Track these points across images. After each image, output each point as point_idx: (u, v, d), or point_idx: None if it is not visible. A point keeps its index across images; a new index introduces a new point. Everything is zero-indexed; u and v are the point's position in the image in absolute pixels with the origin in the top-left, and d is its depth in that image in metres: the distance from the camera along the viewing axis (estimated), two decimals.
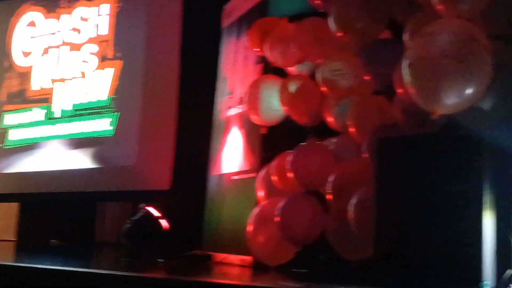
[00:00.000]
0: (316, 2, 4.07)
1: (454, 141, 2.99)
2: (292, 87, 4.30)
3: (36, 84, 7.47)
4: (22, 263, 4.53)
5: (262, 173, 4.62)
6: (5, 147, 7.55)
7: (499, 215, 2.86)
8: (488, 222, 2.82)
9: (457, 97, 2.88)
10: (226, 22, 5.87)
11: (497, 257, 2.83)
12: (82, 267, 3.99)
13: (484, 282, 2.75)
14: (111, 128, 6.54)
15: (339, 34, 3.80)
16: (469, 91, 2.86)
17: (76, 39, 7.14)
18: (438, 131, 3.35)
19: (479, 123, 3.07)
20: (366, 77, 3.84)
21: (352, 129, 3.96)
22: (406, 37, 3.57)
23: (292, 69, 4.59)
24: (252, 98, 4.56)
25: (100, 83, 6.77)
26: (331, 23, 3.85)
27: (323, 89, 4.07)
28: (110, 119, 6.57)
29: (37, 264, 4.20)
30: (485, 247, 2.79)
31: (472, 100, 2.92)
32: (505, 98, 3.02)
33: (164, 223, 4.99)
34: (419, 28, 3.15)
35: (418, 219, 3.01)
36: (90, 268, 3.92)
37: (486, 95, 2.98)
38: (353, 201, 3.58)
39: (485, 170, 2.83)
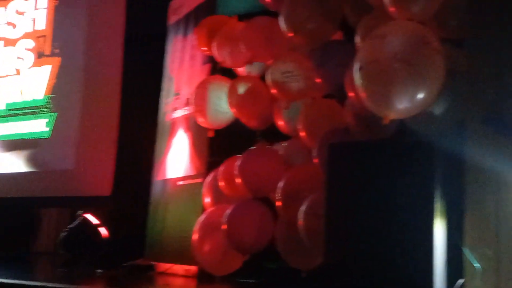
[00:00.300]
0: (266, 0, 4.10)
1: (405, 147, 3.04)
2: (241, 88, 4.32)
3: None
4: None
5: (209, 178, 4.62)
6: None
7: (450, 222, 2.93)
8: (439, 229, 2.88)
9: (408, 101, 2.93)
10: (172, 19, 5.85)
11: (448, 266, 2.90)
12: (15, 279, 3.90)
13: None
14: (48, 129, 6.42)
15: (289, 34, 3.83)
16: (420, 95, 2.92)
17: (11, 34, 6.98)
18: (390, 136, 3.42)
19: (431, 128, 3.14)
20: (317, 80, 3.89)
21: (302, 133, 4.01)
22: (357, 39, 3.63)
23: (241, 70, 4.61)
24: (199, 99, 4.55)
25: (36, 81, 6.64)
26: (282, 22, 3.88)
27: (273, 91, 4.10)
28: (47, 120, 6.45)
29: None
30: (436, 255, 2.84)
31: (424, 104, 2.98)
32: (457, 103, 3.09)
33: (103, 231, 4.93)
34: (371, 30, 3.20)
35: (368, 226, 3.04)
36: (23, 280, 3.83)
37: (438, 100, 3.05)
38: (304, 208, 3.61)
39: (436, 176, 2.89)
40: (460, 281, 2.89)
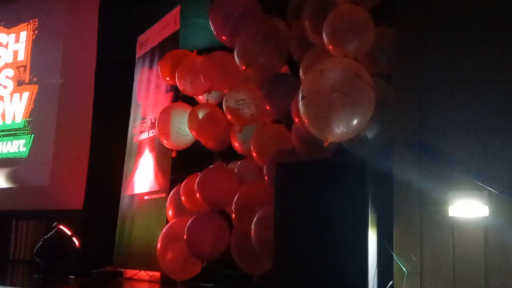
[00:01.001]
0: (223, 38, 4.12)
1: (342, 166, 3.07)
2: (200, 114, 4.31)
3: None
4: None
5: (172, 193, 4.60)
6: None
7: (381, 231, 2.97)
8: (372, 237, 2.92)
9: (344, 126, 2.97)
10: (139, 52, 5.83)
11: (380, 269, 2.93)
12: None
13: None
14: (25, 149, 6.30)
15: (243, 67, 3.85)
16: (355, 121, 2.96)
17: None
18: (329, 156, 3.46)
19: (364, 150, 3.19)
20: (267, 107, 3.92)
21: (254, 154, 4.02)
22: (301, 72, 3.68)
23: (200, 98, 4.61)
24: (163, 123, 4.53)
25: (15, 106, 6.51)
26: (236, 57, 3.90)
27: (229, 117, 4.11)
28: (24, 141, 6.32)
29: None
30: (369, 260, 2.87)
31: (358, 129, 3.02)
32: (386, 129, 3.15)
33: (75, 241, 4.83)
34: (312, 65, 3.25)
35: (311, 235, 3.05)
36: (3, 285, 3.71)
37: (370, 126, 3.10)
38: (255, 220, 3.61)
39: (369, 191, 2.93)
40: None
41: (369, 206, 2.91)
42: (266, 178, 3.70)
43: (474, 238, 2.71)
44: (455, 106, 2.86)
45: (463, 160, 2.79)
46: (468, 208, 2.73)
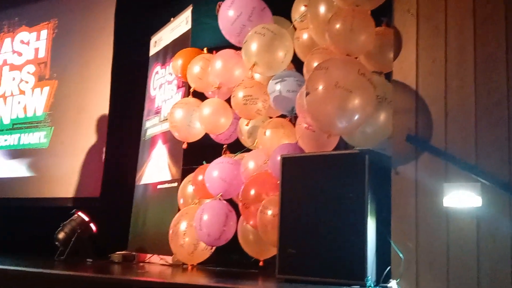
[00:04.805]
0: (231, 37, 4.11)
1: (343, 159, 3.06)
2: (210, 109, 4.30)
3: None
4: None
5: (183, 183, 4.60)
6: None
7: (379, 219, 2.96)
8: (371, 225, 2.91)
9: (346, 121, 2.95)
10: (153, 50, 5.82)
11: (378, 256, 2.92)
12: (19, 266, 3.80)
13: (368, 277, 2.82)
14: (46, 140, 6.31)
15: (250, 65, 3.84)
16: (356, 116, 2.94)
17: (17, 60, 6.85)
18: (332, 150, 3.45)
19: (365, 143, 3.17)
20: (272, 103, 3.91)
21: (260, 146, 4.01)
22: (305, 70, 3.66)
23: (210, 94, 4.60)
24: (175, 117, 4.52)
25: (36, 100, 6.53)
26: (243, 56, 3.89)
27: (236, 111, 4.09)
28: (45, 133, 6.34)
29: None
30: (368, 248, 2.87)
31: (359, 124, 3.01)
32: (384, 123, 3.14)
33: (93, 226, 4.84)
34: (316, 63, 3.23)
35: (315, 223, 3.06)
36: (25, 267, 3.72)
37: (370, 120, 3.09)
38: (260, 208, 3.61)
39: (367, 182, 2.92)
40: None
41: (368, 196, 2.91)
42: (270, 169, 3.69)
43: (467, 227, 2.70)
44: (448, 103, 2.85)
45: (457, 153, 2.78)
46: (462, 198, 2.72)
